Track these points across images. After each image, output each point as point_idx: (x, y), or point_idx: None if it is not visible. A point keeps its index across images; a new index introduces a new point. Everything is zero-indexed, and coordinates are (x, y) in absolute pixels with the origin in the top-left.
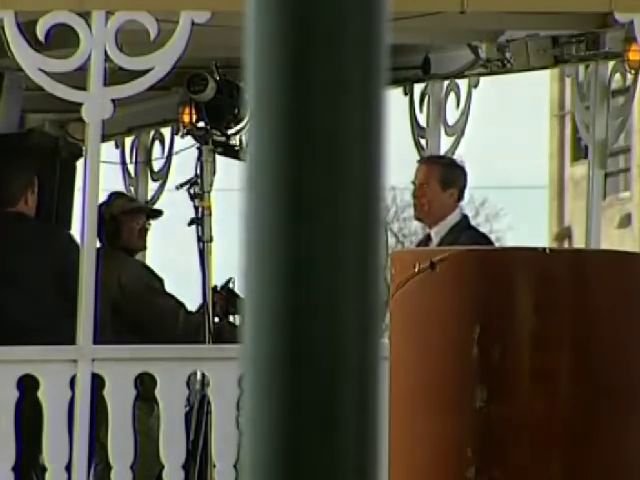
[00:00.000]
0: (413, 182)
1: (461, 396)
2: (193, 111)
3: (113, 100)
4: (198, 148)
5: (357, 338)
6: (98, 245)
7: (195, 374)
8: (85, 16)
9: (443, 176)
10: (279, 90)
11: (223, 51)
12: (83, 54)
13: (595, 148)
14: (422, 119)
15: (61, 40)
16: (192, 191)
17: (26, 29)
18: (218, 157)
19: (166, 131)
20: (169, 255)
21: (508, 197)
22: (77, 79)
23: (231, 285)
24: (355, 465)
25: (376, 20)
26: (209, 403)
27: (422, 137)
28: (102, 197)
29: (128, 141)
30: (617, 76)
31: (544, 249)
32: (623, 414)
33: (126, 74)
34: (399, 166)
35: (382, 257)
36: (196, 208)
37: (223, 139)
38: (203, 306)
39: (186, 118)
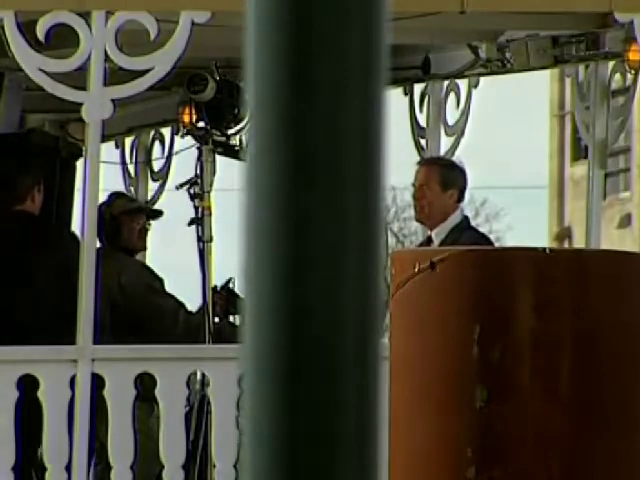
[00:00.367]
0: (413, 184)
1: (461, 396)
2: (193, 111)
3: (113, 100)
4: (198, 148)
5: (357, 338)
6: (98, 245)
7: (195, 374)
8: (85, 16)
9: (443, 177)
10: (279, 90)
11: (223, 51)
12: (83, 54)
13: (595, 148)
14: (422, 119)
15: (61, 40)
16: (192, 191)
17: (26, 29)
18: (218, 157)
19: (166, 131)
20: (169, 255)
21: (508, 197)
22: (77, 79)
23: (231, 285)
24: (355, 465)
25: (376, 20)
26: (209, 403)
27: (422, 137)
28: (102, 197)
29: (128, 141)
30: (617, 76)
31: (544, 249)
32: (623, 414)
33: (126, 74)
34: (399, 166)
35: (382, 257)
36: (196, 208)
37: (223, 139)
38: (203, 306)
39: (186, 118)
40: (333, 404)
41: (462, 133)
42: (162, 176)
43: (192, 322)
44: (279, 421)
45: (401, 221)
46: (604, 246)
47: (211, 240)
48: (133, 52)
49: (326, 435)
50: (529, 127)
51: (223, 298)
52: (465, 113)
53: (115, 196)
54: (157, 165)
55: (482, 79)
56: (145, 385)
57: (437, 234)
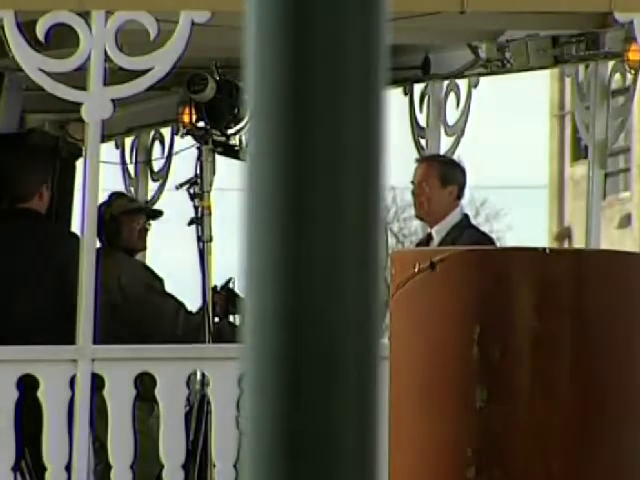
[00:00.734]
0: (412, 181)
1: (461, 396)
2: (193, 111)
3: (113, 100)
4: (198, 148)
5: (357, 338)
6: (98, 245)
7: (195, 374)
8: (85, 16)
9: (442, 173)
10: (279, 90)
11: (223, 51)
12: (83, 54)
13: (595, 148)
14: (422, 119)
15: (61, 40)
16: (192, 191)
17: (26, 29)
18: (218, 157)
19: (166, 131)
20: (169, 255)
21: (508, 197)
22: (77, 79)
23: (231, 285)
24: (355, 465)
25: (376, 20)
26: (209, 403)
27: (422, 137)
28: (102, 197)
29: (128, 141)
30: (617, 76)
31: (544, 249)
32: (623, 414)
33: (126, 74)
34: (399, 166)
35: (382, 257)
36: (196, 208)
37: (223, 139)
38: (203, 306)
39: (186, 118)
40: (333, 404)
41: (462, 133)
42: (162, 176)
43: (192, 322)
44: (279, 421)
45: (401, 221)
46: (604, 246)
47: (211, 240)
48: (133, 52)
49: (326, 435)
50: (529, 127)
51: (223, 298)
52: (465, 113)
53: (115, 196)
54: (157, 165)
55: (482, 79)
56: (145, 385)
57: (437, 232)
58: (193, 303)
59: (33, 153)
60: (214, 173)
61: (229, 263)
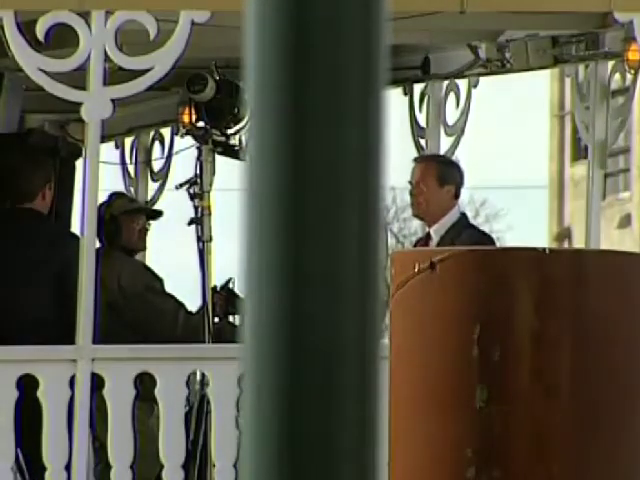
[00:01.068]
0: (410, 181)
1: (461, 396)
2: (193, 111)
3: (113, 100)
4: (198, 148)
5: (357, 338)
6: (98, 245)
7: (195, 374)
8: (85, 16)
9: (440, 173)
10: (279, 90)
11: (223, 51)
12: (83, 54)
13: (595, 148)
14: (422, 119)
15: (61, 40)
16: (192, 191)
17: (26, 29)
18: (218, 157)
19: (166, 131)
20: (169, 255)
21: (508, 197)
22: (77, 79)
23: (231, 285)
24: (355, 465)
25: (376, 20)
26: (209, 403)
27: (422, 137)
28: (102, 197)
29: (128, 141)
30: (617, 76)
31: (544, 249)
32: (623, 414)
33: (126, 74)
34: (399, 166)
35: (382, 257)
36: (196, 208)
37: (223, 139)
38: (203, 306)
39: (186, 118)
40: (333, 404)
41: (462, 133)
42: (162, 176)
43: (192, 322)
44: (279, 421)
45: (401, 221)
46: (604, 246)
47: (211, 240)
48: (133, 52)
49: (326, 435)
50: (529, 127)
51: (223, 298)
52: (465, 113)
53: (115, 196)
54: (157, 165)
55: (482, 79)
56: (145, 385)
57: (436, 231)
58: (193, 303)
59: (34, 153)
60: (214, 173)
61: (229, 263)
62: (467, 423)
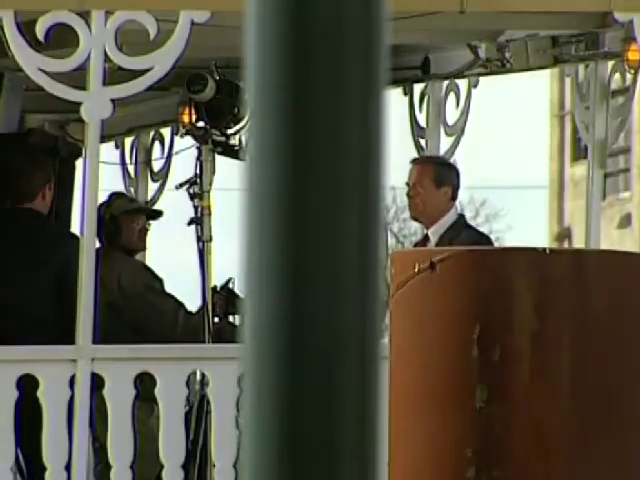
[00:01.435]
0: (407, 183)
1: (461, 396)
2: (193, 111)
3: (113, 100)
4: (198, 148)
5: (357, 338)
6: (98, 245)
7: (195, 374)
8: (85, 16)
9: (436, 175)
10: (279, 90)
11: (223, 51)
12: (82, 54)
13: (595, 148)
14: (422, 119)
15: (61, 40)
16: (192, 191)
17: (26, 29)
18: (218, 157)
19: (166, 131)
20: (169, 255)
21: (508, 197)
22: (77, 79)
23: (231, 285)
24: (356, 465)
25: (376, 20)
26: (209, 403)
27: (422, 137)
28: (102, 197)
29: (128, 141)
30: (617, 76)
31: (544, 249)
32: (623, 414)
33: (126, 74)
34: (399, 166)
35: (382, 257)
36: (196, 208)
37: (223, 139)
38: (203, 306)
39: (186, 118)
40: (333, 404)
41: (462, 133)
42: (162, 176)
43: (192, 322)
44: (279, 421)
45: (401, 221)
46: (604, 246)
47: (211, 240)
48: (133, 52)
49: (326, 435)
50: (529, 127)
51: (223, 298)
52: (465, 113)
53: (115, 196)
54: (157, 165)
55: (482, 79)
56: (145, 385)
57: (434, 232)
58: (193, 303)
59: (34, 153)
60: (214, 173)
61: (229, 263)
62: (467, 423)
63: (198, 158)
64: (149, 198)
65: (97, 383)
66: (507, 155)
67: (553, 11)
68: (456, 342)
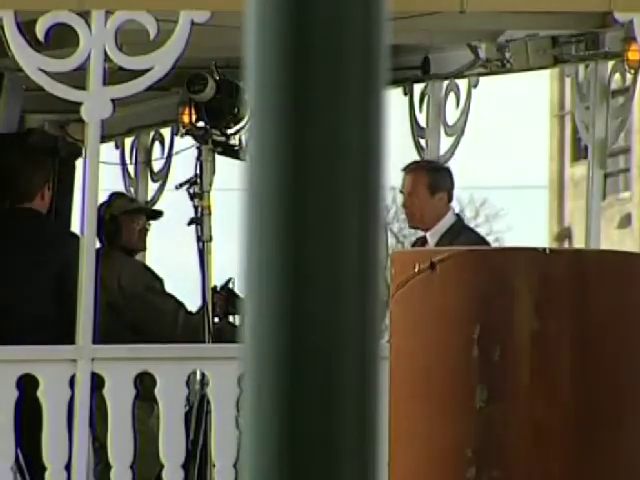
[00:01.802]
0: (402, 191)
1: (461, 396)
2: (193, 111)
3: (113, 100)
4: (198, 148)
5: (357, 338)
6: (98, 245)
7: (195, 374)
8: (85, 16)
9: (430, 182)
10: (279, 90)
11: (223, 51)
12: (83, 54)
13: (595, 148)
14: (422, 119)
15: (61, 40)
16: (192, 191)
17: (26, 29)
18: (218, 157)
19: (166, 131)
20: (169, 255)
21: (508, 197)
22: (77, 79)
23: (231, 285)
24: (356, 465)
25: (376, 20)
26: (209, 403)
27: (422, 137)
28: (102, 197)
29: (128, 142)
30: (617, 76)
31: (544, 249)
32: (623, 414)
33: (126, 74)
34: (399, 166)
35: (382, 257)
36: (196, 208)
37: (223, 139)
38: (203, 306)
39: (186, 118)
40: (333, 404)
41: (462, 133)
42: (162, 176)
43: (192, 322)
44: (279, 421)
45: (401, 221)
46: (604, 246)
47: (211, 240)
48: (133, 52)
49: (326, 435)
50: (529, 127)
51: (223, 298)
52: (465, 113)
53: (115, 196)
54: (157, 165)
55: (482, 79)
56: (145, 385)
57: (432, 234)
58: (193, 303)
59: (33, 153)
60: (214, 173)
61: (229, 263)
62: (467, 423)
63: (198, 158)
64: (149, 198)
65: (97, 383)
66: (507, 155)
67: (553, 11)
68: (456, 342)
